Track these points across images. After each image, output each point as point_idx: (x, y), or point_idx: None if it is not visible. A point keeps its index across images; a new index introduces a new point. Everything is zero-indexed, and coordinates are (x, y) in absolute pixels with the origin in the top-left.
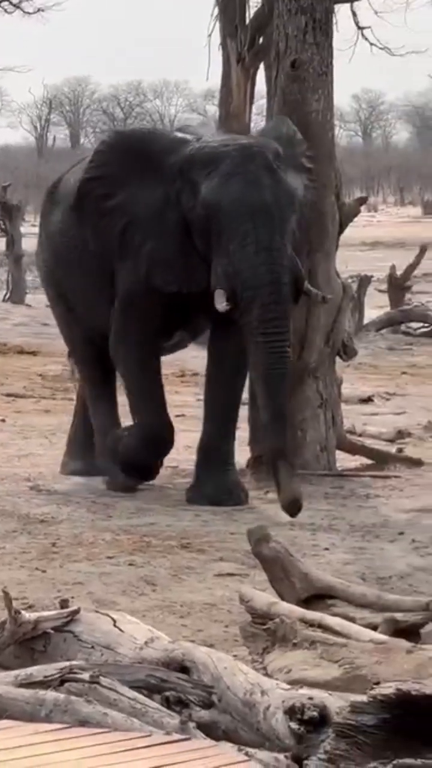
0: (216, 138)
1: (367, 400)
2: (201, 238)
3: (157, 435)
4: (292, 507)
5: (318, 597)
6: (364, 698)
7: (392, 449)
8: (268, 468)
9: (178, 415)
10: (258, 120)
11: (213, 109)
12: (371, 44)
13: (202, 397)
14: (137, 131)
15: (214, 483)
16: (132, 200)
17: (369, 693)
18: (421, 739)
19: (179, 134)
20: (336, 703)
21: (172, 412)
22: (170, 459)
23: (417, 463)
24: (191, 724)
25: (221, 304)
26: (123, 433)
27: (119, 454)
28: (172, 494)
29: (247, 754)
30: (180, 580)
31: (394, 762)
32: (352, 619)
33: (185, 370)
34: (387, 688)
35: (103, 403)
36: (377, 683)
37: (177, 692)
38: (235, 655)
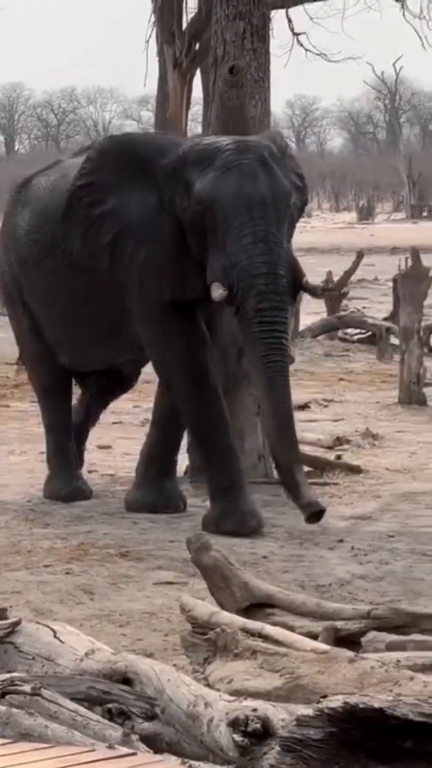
0: (206, 138)
1: (305, 407)
2: (195, 237)
3: (237, 486)
4: (316, 516)
5: (258, 606)
6: (310, 711)
7: (331, 456)
8: (282, 478)
9: (114, 422)
10: (193, 126)
11: (148, 115)
12: (306, 50)
13: (139, 404)
14: (130, 136)
15: (153, 490)
16: (124, 207)
17: (315, 706)
18: (366, 752)
19: (170, 136)
20: (279, 714)
21: (108, 419)
22: (107, 466)
23: (356, 470)
24: (134, 737)
25: (217, 292)
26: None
27: (220, 525)
28: (110, 502)
29: (190, 767)
30: (118, 589)
31: None
32: (292, 628)
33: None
34: (334, 702)
35: (56, 418)
36: (324, 696)
37: (119, 704)
38: (175, 665)
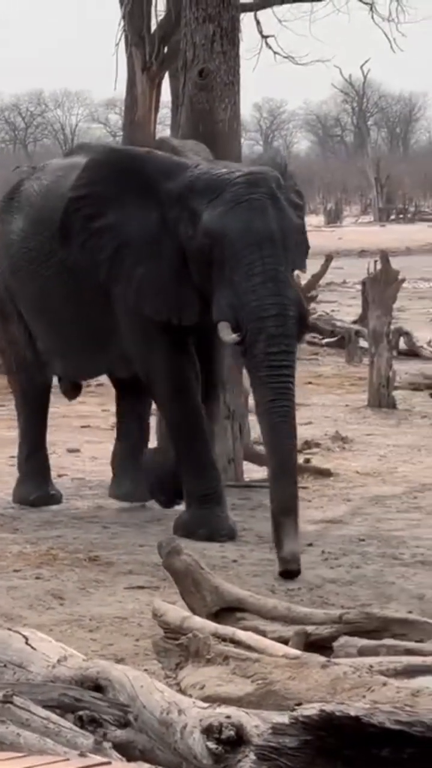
0: (214, 165)
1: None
2: (200, 269)
3: (215, 495)
4: (290, 570)
5: (228, 610)
6: (285, 719)
7: (300, 460)
8: (272, 523)
9: (83, 426)
10: (161, 129)
11: (115, 119)
12: (275, 53)
13: (108, 407)
14: (133, 151)
15: (131, 481)
16: (125, 221)
17: (290, 714)
18: (342, 760)
19: (176, 158)
20: (253, 721)
21: (77, 422)
22: (76, 470)
23: (325, 473)
24: (106, 744)
25: (228, 336)
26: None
27: (193, 531)
28: (79, 506)
29: None
30: (88, 594)
31: None
32: (263, 633)
33: (90, 381)
34: (309, 709)
35: (31, 424)
36: (299, 704)
37: (91, 711)
38: (146, 670)
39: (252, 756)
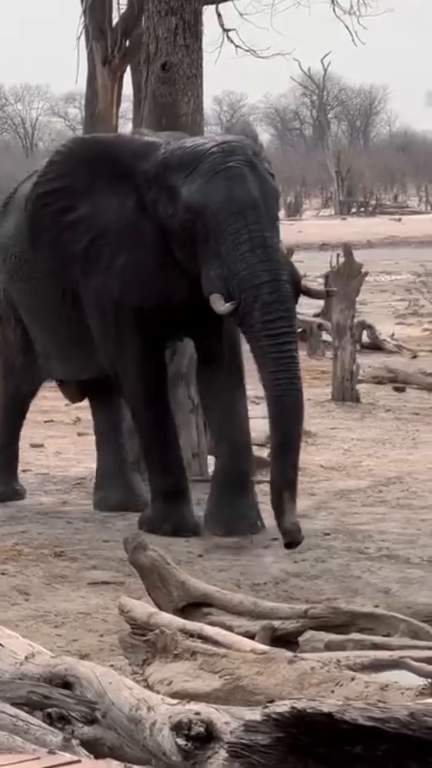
0: (186, 140)
1: None
2: (183, 246)
3: (181, 490)
4: (295, 540)
5: (195, 605)
6: (257, 716)
7: (264, 454)
8: (271, 498)
9: (46, 421)
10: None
11: (75, 112)
12: (237, 46)
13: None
14: (100, 138)
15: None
16: (100, 211)
17: (262, 711)
18: (315, 758)
19: (146, 138)
20: (223, 718)
21: (40, 417)
22: (40, 465)
23: None
24: (75, 742)
25: (222, 306)
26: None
27: (156, 526)
28: (43, 502)
29: None
30: (53, 589)
31: None
32: (229, 628)
33: None
34: (281, 706)
35: (8, 423)
36: (271, 701)
37: (59, 708)
38: (112, 665)
39: (222, 753)
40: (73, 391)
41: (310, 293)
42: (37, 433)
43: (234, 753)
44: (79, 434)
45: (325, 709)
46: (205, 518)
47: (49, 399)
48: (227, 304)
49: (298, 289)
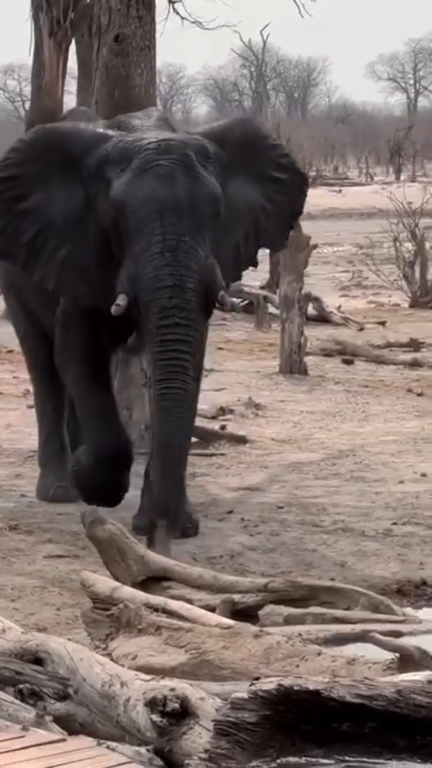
0: (138, 132)
1: None
2: (115, 243)
3: (108, 455)
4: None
5: (154, 579)
6: (244, 694)
7: (215, 426)
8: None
9: None
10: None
11: (13, 84)
12: (183, 18)
13: (18, 374)
14: (58, 128)
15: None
16: (47, 203)
17: (249, 689)
18: (301, 735)
19: (102, 130)
20: (197, 693)
21: None
22: None
23: (241, 440)
24: (48, 718)
25: (115, 306)
26: (79, 457)
27: (76, 482)
28: None
29: (108, 747)
30: (9, 563)
31: (279, 761)
32: (189, 601)
33: (0, 347)
34: (268, 684)
35: (49, 406)
36: (257, 678)
37: (31, 684)
38: (69, 639)
39: (197, 728)
40: None
41: (223, 305)
42: None
43: (221, 731)
44: (29, 406)
45: (312, 687)
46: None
47: None
48: (116, 306)
49: (210, 298)
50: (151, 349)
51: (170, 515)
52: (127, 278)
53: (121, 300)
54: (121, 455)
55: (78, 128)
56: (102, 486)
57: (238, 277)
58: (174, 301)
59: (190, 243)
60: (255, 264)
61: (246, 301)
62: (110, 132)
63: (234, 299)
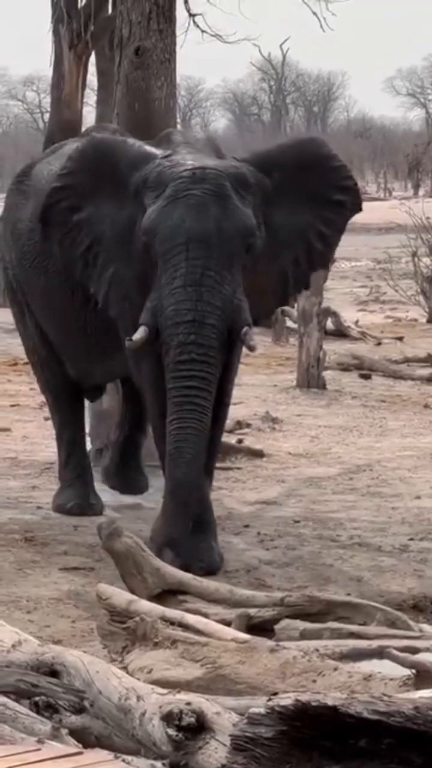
0: (177, 157)
1: None
2: (149, 270)
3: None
4: None
5: (170, 592)
6: (261, 709)
7: (232, 440)
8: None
9: (12, 405)
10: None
11: (32, 96)
12: (203, 31)
13: (35, 386)
14: (110, 140)
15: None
16: (100, 216)
17: (266, 704)
18: (319, 751)
19: (147, 147)
20: (213, 708)
21: (5, 401)
22: (8, 450)
23: (258, 454)
24: (63, 731)
25: (128, 340)
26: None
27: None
28: (12, 486)
29: (123, 761)
30: (25, 575)
31: None
32: (205, 615)
33: (18, 359)
34: (285, 699)
35: (68, 429)
36: (275, 694)
37: (47, 697)
38: (84, 652)
39: (213, 743)
40: (89, 389)
41: (244, 343)
42: (3, 417)
43: (237, 746)
44: (46, 418)
45: (330, 702)
46: None
47: (13, 383)
48: (135, 338)
49: (234, 335)
50: (167, 383)
51: (176, 549)
52: (150, 309)
53: (140, 332)
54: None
55: (126, 142)
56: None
57: (285, 303)
58: (192, 336)
59: (215, 278)
60: (308, 287)
61: None
62: (155, 151)
63: (254, 341)
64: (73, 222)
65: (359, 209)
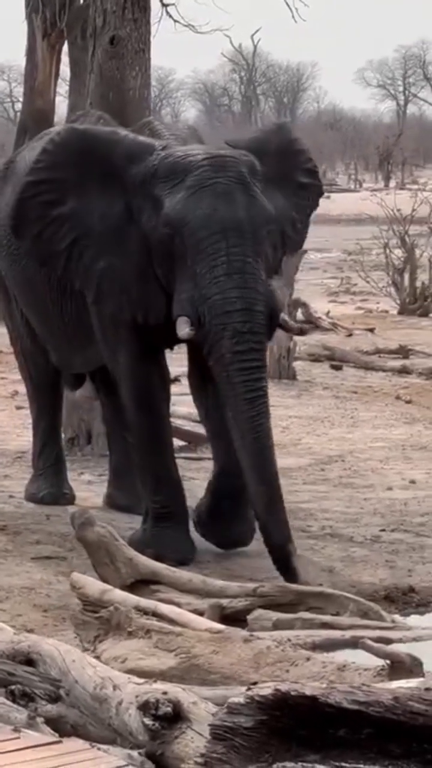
0: (181, 146)
1: (174, 380)
2: (162, 262)
3: (172, 513)
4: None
5: (143, 582)
6: (240, 699)
7: (203, 430)
8: (275, 558)
9: None
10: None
11: (3, 85)
12: (176, 21)
13: (6, 375)
14: (97, 132)
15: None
16: (86, 210)
17: (246, 694)
18: (297, 740)
19: (143, 138)
20: (190, 698)
21: None
22: None
23: None
24: (39, 719)
25: (184, 330)
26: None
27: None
28: None
29: (99, 750)
30: None
31: (275, 766)
32: (177, 605)
33: None
34: (265, 689)
35: (44, 419)
36: (254, 683)
37: (23, 686)
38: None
39: (190, 732)
40: (70, 377)
41: (286, 328)
42: None
43: (217, 735)
44: (18, 407)
45: (309, 692)
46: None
47: None
48: (187, 329)
49: (274, 321)
50: (226, 374)
51: (292, 546)
52: (187, 300)
53: (185, 323)
54: (180, 509)
55: (117, 134)
56: (173, 541)
57: None
58: (248, 325)
59: (253, 265)
60: (279, 273)
61: None
62: (153, 142)
63: (293, 322)
64: (52, 216)
65: (322, 192)
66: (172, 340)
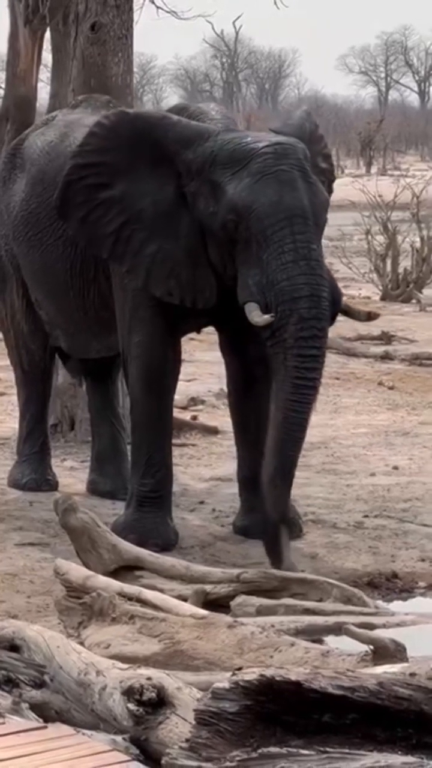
0: (238, 133)
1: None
2: (220, 247)
3: (158, 498)
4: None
5: (126, 568)
6: (225, 684)
7: (186, 417)
8: (265, 533)
9: None
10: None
11: None
12: (158, 8)
13: None
14: (147, 115)
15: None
16: (137, 194)
17: (231, 679)
18: (281, 725)
19: (196, 124)
20: (175, 683)
21: None
22: None
23: (213, 430)
24: (24, 705)
25: (259, 317)
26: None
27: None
28: None
29: (84, 735)
30: None
31: (260, 751)
32: (161, 591)
33: None
34: (250, 674)
35: (33, 406)
36: (239, 668)
37: (7, 671)
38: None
39: (174, 717)
40: (75, 364)
41: (350, 314)
42: None
43: (201, 720)
44: (1, 394)
45: (294, 678)
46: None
47: None
48: (266, 316)
49: (336, 308)
50: (284, 358)
51: (285, 526)
52: (255, 285)
53: (256, 308)
54: (166, 495)
55: (170, 119)
56: (157, 526)
57: None
58: (313, 311)
59: (317, 251)
60: None
61: None
62: (209, 127)
63: (357, 308)
64: (100, 199)
65: (335, 177)
66: (207, 324)
